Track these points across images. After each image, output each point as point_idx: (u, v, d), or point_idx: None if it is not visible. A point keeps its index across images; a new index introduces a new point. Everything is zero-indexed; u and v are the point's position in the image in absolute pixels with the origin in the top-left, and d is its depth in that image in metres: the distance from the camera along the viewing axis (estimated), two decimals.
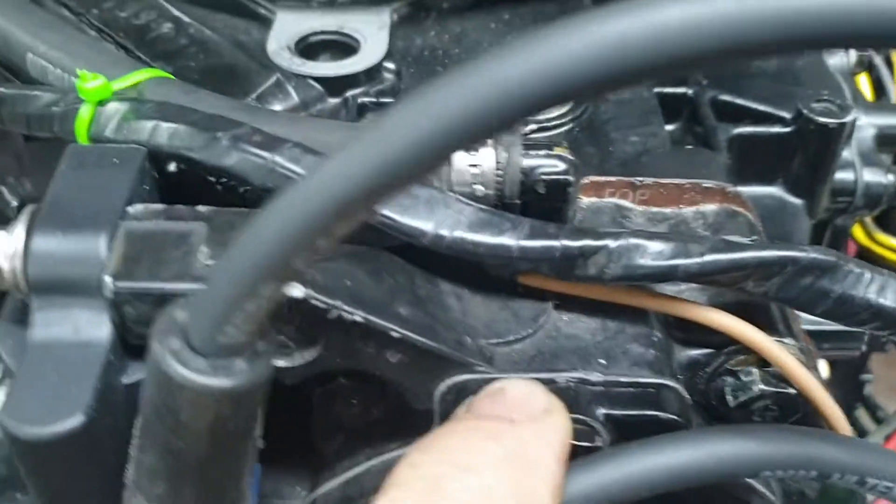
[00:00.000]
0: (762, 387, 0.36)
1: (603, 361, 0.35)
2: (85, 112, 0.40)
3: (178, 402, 0.25)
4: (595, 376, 0.35)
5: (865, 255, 0.75)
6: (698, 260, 0.34)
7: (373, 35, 0.53)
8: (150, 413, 0.27)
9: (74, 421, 0.31)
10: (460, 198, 0.36)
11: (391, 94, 0.51)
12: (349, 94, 0.50)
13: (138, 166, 0.36)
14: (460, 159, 0.37)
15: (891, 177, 0.57)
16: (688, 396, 0.36)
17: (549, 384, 0.34)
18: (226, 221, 0.34)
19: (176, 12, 0.54)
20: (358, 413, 0.38)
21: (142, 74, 0.42)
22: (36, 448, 0.31)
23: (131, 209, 0.35)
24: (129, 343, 0.34)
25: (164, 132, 0.37)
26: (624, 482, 0.30)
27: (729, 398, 0.37)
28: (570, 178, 0.37)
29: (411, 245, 0.35)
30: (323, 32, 0.53)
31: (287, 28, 0.54)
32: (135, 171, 0.36)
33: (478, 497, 0.28)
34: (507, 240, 0.35)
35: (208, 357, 0.25)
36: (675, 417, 0.34)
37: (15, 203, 0.64)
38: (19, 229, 0.33)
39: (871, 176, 0.55)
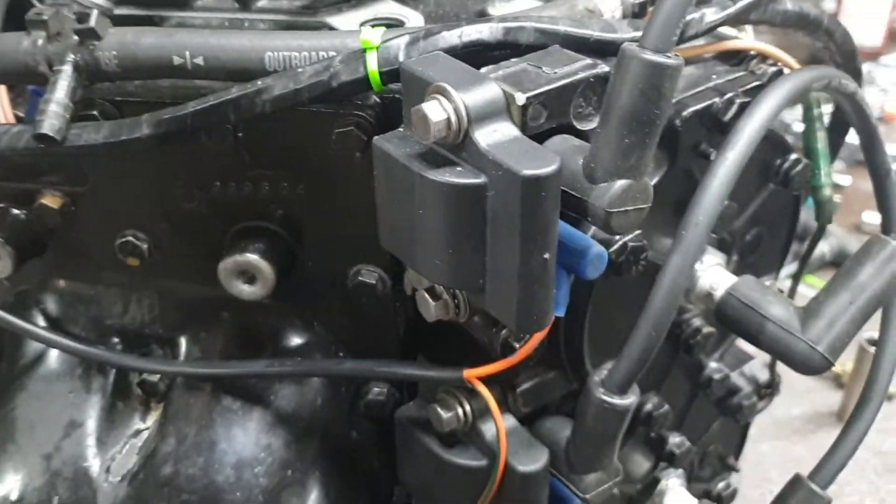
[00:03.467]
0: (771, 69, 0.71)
1: (715, 76, 0.67)
2: (372, 54, 0.60)
3: (663, 81, 0.51)
4: (714, 82, 0.66)
5: None
6: (735, 7, 0.66)
7: (411, 15, 0.78)
8: (640, 102, 0.51)
9: (555, 165, 0.53)
10: None
11: None
12: None
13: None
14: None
15: None
16: None
17: (700, 92, 0.65)
18: (538, 56, 0.59)
19: None
20: None
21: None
22: (538, 185, 0.52)
23: (483, 70, 0.57)
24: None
25: (452, 35, 0.60)
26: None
27: None
28: None
29: None
30: (380, 19, 0.76)
31: (350, 24, 0.75)
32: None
33: None
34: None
35: (663, 52, 0.51)
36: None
37: None
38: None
39: None
